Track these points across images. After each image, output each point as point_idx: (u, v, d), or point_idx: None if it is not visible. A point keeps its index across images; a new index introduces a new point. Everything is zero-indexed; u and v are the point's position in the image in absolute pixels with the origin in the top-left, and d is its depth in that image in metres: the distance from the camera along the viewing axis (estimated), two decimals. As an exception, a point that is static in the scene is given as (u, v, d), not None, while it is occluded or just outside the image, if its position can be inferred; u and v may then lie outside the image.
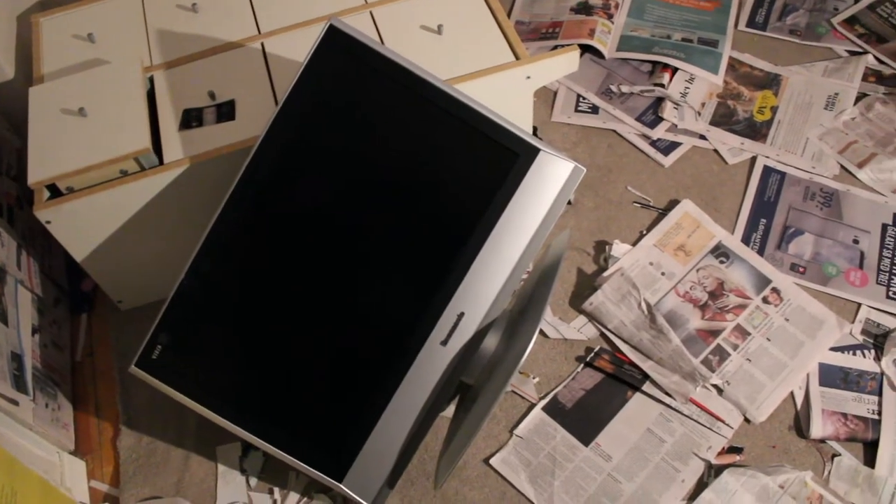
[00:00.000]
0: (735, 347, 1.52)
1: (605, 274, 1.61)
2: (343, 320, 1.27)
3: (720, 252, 1.64)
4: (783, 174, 1.76)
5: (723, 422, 1.45)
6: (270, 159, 1.26)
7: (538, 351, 1.54)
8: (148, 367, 1.30)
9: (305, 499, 1.41)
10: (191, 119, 1.46)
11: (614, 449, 1.43)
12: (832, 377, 1.48)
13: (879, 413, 1.44)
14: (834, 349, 1.52)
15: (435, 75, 1.25)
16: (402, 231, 1.26)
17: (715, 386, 1.48)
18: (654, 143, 1.83)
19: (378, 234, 1.26)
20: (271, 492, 1.43)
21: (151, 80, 1.54)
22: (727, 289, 1.59)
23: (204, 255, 1.28)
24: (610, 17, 2.04)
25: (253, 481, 1.44)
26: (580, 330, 1.56)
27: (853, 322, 1.55)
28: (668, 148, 1.82)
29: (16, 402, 1.34)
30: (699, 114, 1.87)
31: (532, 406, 1.48)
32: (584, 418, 1.46)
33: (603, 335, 1.56)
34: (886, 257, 1.62)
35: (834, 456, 1.40)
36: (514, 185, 1.25)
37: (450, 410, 1.47)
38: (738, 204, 1.72)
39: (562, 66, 1.50)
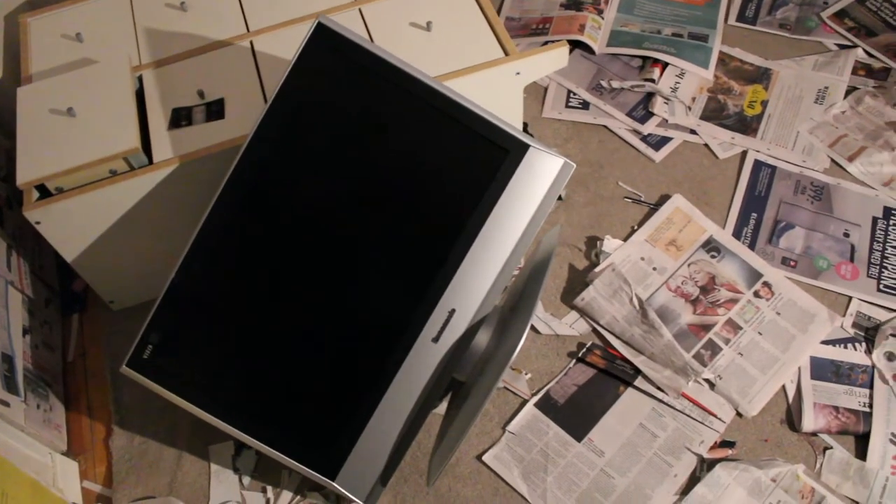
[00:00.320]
0: (727, 342, 1.52)
1: (597, 269, 1.61)
2: (334, 318, 1.27)
3: (711, 247, 1.64)
4: (774, 168, 1.76)
5: (715, 416, 1.45)
6: (260, 158, 1.26)
7: (530, 347, 1.54)
8: (139, 366, 1.30)
9: (298, 497, 1.41)
10: (180, 118, 1.46)
11: (607, 444, 1.43)
12: (824, 370, 1.49)
13: (871, 406, 1.44)
14: (825, 342, 1.52)
15: (424, 72, 1.25)
16: (393, 228, 1.26)
17: (707, 380, 1.48)
18: (644, 139, 1.83)
19: (368, 232, 1.26)
20: (264, 490, 1.43)
21: (140, 79, 1.53)
22: (718, 283, 1.59)
23: (194, 254, 1.28)
24: (600, 12, 2.04)
25: (246, 480, 1.44)
26: (572, 326, 1.56)
27: (844, 315, 1.55)
28: (658, 143, 1.83)
29: (7, 404, 1.34)
30: (690, 108, 1.87)
31: (524, 402, 1.48)
32: (576, 414, 1.46)
33: (595, 331, 1.56)
34: (877, 250, 1.63)
35: (826, 449, 1.41)
36: (503, 181, 1.25)
37: (442, 407, 1.47)
38: (728, 198, 1.73)
39: (551, 61, 1.50)
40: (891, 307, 1.55)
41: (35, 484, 1.30)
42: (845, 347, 1.52)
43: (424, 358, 1.26)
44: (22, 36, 1.63)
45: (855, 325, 1.54)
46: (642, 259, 1.63)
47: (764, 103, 1.88)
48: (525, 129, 1.83)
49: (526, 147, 1.24)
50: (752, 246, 1.65)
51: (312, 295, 1.27)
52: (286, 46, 1.54)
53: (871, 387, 1.46)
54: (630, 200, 1.73)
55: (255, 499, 1.42)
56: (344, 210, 1.26)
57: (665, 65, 1.94)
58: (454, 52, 1.50)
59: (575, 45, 2.01)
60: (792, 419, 1.44)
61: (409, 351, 1.26)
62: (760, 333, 1.53)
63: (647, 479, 1.40)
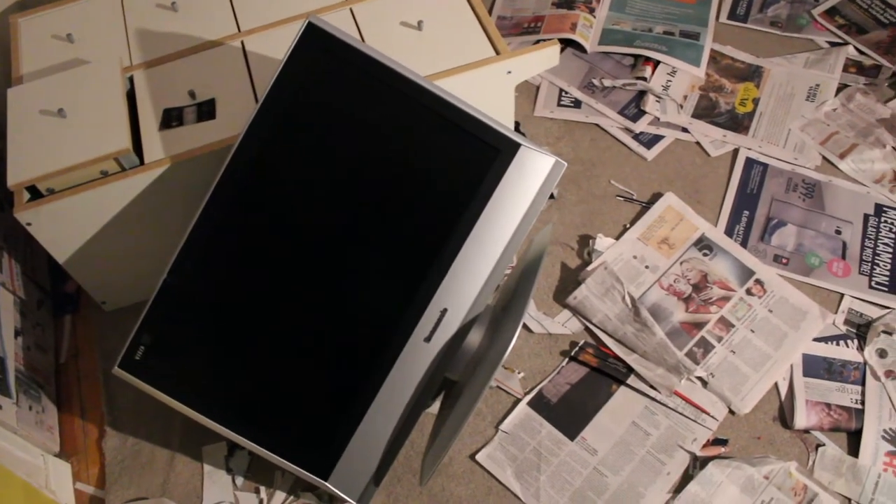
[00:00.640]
0: (719, 339, 1.53)
1: (589, 268, 1.61)
2: (326, 318, 1.27)
3: (703, 244, 1.64)
4: (765, 166, 1.76)
5: (707, 414, 1.45)
6: (251, 158, 1.26)
7: (523, 346, 1.54)
8: (131, 368, 1.30)
9: (292, 497, 1.41)
10: (171, 118, 1.46)
11: (600, 443, 1.43)
12: (816, 367, 1.49)
13: (863, 402, 1.44)
14: (817, 340, 1.52)
15: (415, 71, 1.25)
16: (384, 228, 1.26)
17: (699, 378, 1.49)
18: (636, 137, 1.84)
19: (359, 232, 1.26)
20: (257, 491, 1.43)
21: (131, 79, 1.53)
22: (711, 281, 1.59)
23: (185, 254, 1.27)
24: (591, 10, 2.05)
25: (239, 481, 1.44)
26: (564, 324, 1.57)
27: (836, 312, 1.56)
28: (650, 141, 1.83)
29: (-1, 406, 1.34)
30: (681, 107, 1.88)
31: (517, 401, 1.48)
32: (569, 412, 1.47)
33: (587, 329, 1.56)
34: (868, 247, 1.63)
35: (818, 446, 1.41)
36: (495, 180, 1.25)
37: (435, 407, 1.47)
38: (720, 196, 1.73)
39: (542, 60, 1.50)
40: (882, 304, 1.56)
41: (27, 486, 1.29)
42: (837, 344, 1.52)
43: (417, 358, 1.26)
44: (12, 36, 1.62)
45: (847, 322, 1.54)
46: (634, 257, 1.63)
47: (755, 101, 1.88)
48: (517, 128, 1.83)
49: (517, 146, 1.24)
50: (744, 244, 1.65)
51: (304, 295, 1.27)
52: (277, 46, 1.54)
53: (863, 383, 1.46)
54: (622, 199, 1.74)
55: (249, 499, 1.42)
56: (335, 210, 1.26)
57: (657, 63, 1.94)
58: (445, 51, 1.49)
59: (567, 43, 2.01)
60: (784, 416, 1.45)
61: (401, 351, 1.26)
62: (753, 331, 1.53)
63: (640, 477, 1.40)
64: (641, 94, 1.91)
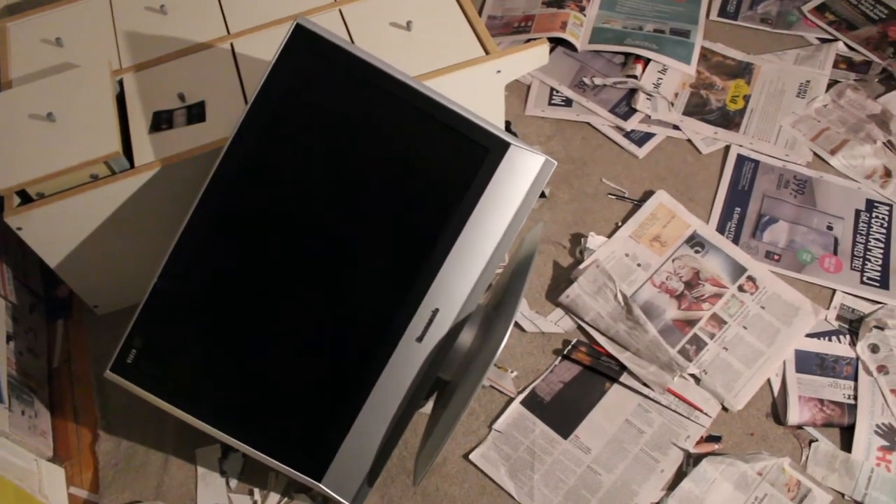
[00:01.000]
0: (712, 336, 1.53)
1: (581, 266, 1.61)
2: (317, 320, 1.27)
3: (695, 242, 1.64)
4: (757, 162, 1.77)
5: (701, 411, 1.45)
6: (240, 160, 1.26)
7: (515, 345, 1.54)
8: (123, 371, 1.30)
9: (286, 499, 1.41)
10: (161, 121, 1.46)
11: (593, 441, 1.43)
12: (808, 363, 1.49)
13: (855, 398, 1.44)
14: (810, 336, 1.53)
15: (404, 72, 1.25)
16: (375, 229, 1.26)
17: (692, 375, 1.49)
18: (628, 135, 1.84)
19: (350, 233, 1.26)
20: (251, 493, 1.42)
21: (121, 83, 1.53)
22: (703, 278, 1.59)
23: (176, 257, 1.27)
24: (582, 9, 2.05)
25: (233, 483, 1.44)
26: (557, 323, 1.57)
27: (828, 308, 1.56)
28: (642, 139, 1.83)
29: (-9, 411, 1.34)
30: (672, 104, 1.88)
31: (510, 400, 1.48)
32: (562, 411, 1.47)
33: (580, 328, 1.56)
34: (860, 243, 1.63)
35: (811, 441, 1.41)
36: (485, 180, 1.25)
37: (428, 407, 1.47)
38: (712, 193, 1.73)
39: (531, 59, 1.50)
40: (874, 299, 1.56)
41: (19, 491, 1.29)
42: (830, 340, 1.52)
43: (409, 358, 1.26)
44: (1, 41, 1.62)
45: (839, 317, 1.55)
46: (626, 255, 1.63)
47: (746, 98, 1.88)
48: (508, 128, 1.83)
49: (507, 145, 1.25)
50: (735, 240, 1.65)
51: (294, 297, 1.27)
52: (267, 48, 1.54)
53: (855, 379, 1.47)
54: (614, 197, 1.74)
55: (243, 501, 1.42)
56: (325, 212, 1.26)
57: (647, 61, 1.95)
58: (435, 51, 1.49)
59: (557, 42, 2.01)
60: (777, 413, 1.45)
61: (393, 351, 1.26)
62: (745, 327, 1.53)
63: (633, 474, 1.40)
64: (632, 92, 1.91)
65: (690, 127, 1.84)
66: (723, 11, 2.07)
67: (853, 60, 1.92)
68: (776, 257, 1.62)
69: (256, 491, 1.42)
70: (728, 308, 1.56)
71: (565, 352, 1.53)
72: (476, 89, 1.50)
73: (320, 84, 1.25)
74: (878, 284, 1.58)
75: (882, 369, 1.47)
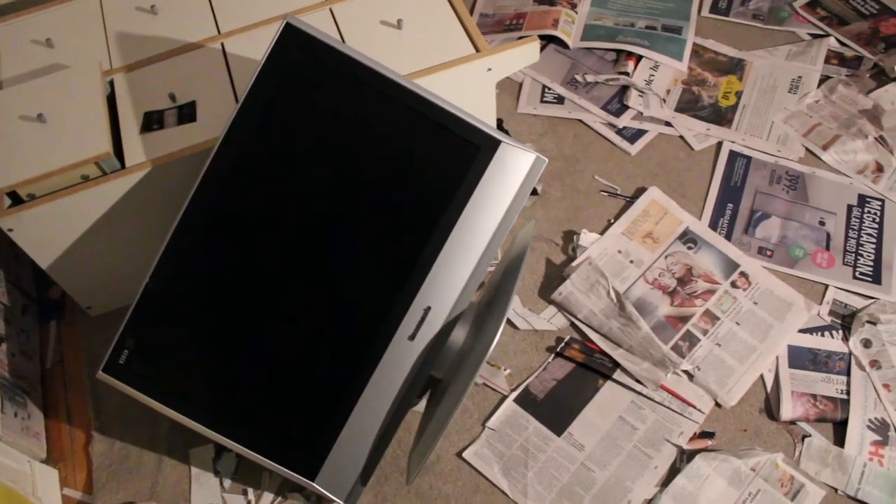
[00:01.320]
0: (705, 333, 1.53)
1: (574, 263, 1.61)
2: (309, 319, 1.27)
3: (688, 238, 1.64)
4: (749, 158, 1.77)
5: (694, 407, 1.45)
6: (231, 160, 1.25)
7: (508, 343, 1.54)
8: (116, 372, 1.30)
9: (280, 498, 1.41)
10: (152, 122, 1.45)
11: (587, 438, 1.44)
12: (801, 359, 1.49)
13: (848, 393, 1.45)
14: (802, 331, 1.53)
15: (394, 70, 1.25)
16: (366, 228, 1.26)
17: (685, 372, 1.49)
18: (620, 132, 1.84)
19: (341, 232, 1.26)
20: (245, 493, 1.42)
21: (112, 83, 1.53)
22: (696, 274, 1.60)
23: (168, 256, 1.27)
24: (573, 6, 2.05)
25: (227, 483, 1.43)
26: (550, 320, 1.57)
27: (821, 303, 1.56)
28: (634, 136, 1.83)
29: (-17, 413, 1.34)
30: (664, 101, 1.88)
31: (504, 398, 1.48)
32: (555, 408, 1.47)
33: (573, 325, 1.56)
34: (852, 238, 1.63)
35: (804, 437, 1.41)
36: (475, 177, 1.25)
37: (421, 405, 1.47)
38: (704, 189, 1.73)
39: (522, 57, 1.50)
40: (866, 294, 1.56)
41: (11, 493, 1.29)
42: (822, 335, 1.52)
43: (401, 356, 1.26)
44: (-9, 42, 1.62)
45: (832, 312, 1.55)
46: (619, 252, 1.63)
47: (738, 94, 1.89)
48: (500, 125, 1.83)
49: (497, 143, 1.25)
50: (728, 236, 1.65)
51: (286, 296, 1.27)
52: (257, 47, 1.54)
53: (848, 374, 1.47)
54: (606, 194, 1.74)
55: (237, 501, 1.42)
56: (316, 210, 1.26)
57: (639, 58, 1.95)
58: (425, 49, 1.49)
59: (549, 39, 2.01)
60: (770, 408, 1.45)
61: (385, 350, 1.26)
62: (738, 323, 1.53)
63: (627, 471, 1.40)
64: (624, 89, 1.91)
65: (682, 123, 1.84)
66: (714, 8, 2.07)
67: (845, 56, 1.92)
68: (769, 253, 1.62)
69: (250, 491, 1.42)
70: (721, 304, 1.56)
71: (558, 349, 1.53)
72: (467, 87, 1.50)
73: (310, 83, 1.25)
74: (870, 279, 1.58)
75: (875, 364, 1.47)
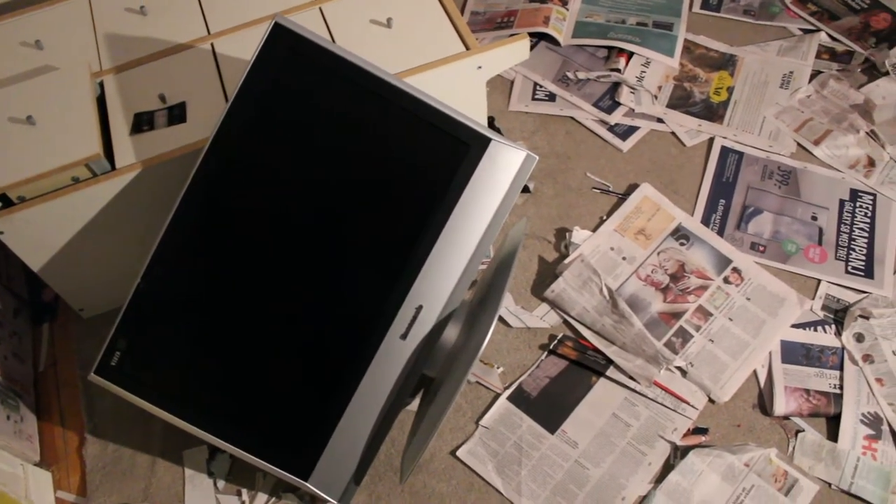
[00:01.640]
0: (698, 329, 1.53)
1: (566, 261, 1.61)
2: (301, 319, 1.27)
3: (680, 234, 1.64)
4: (741, 154, 1.77)
5: (687, 403, 1.45)
6: (221, 160, 1.25)
7: (501, 341, 1.54)
8: (108, 374, 1.30)
9: (274, 499, 1.41)
10: (142, 123, 1.45)
11: (580, 435, 1.44)
12: (794, 354, 1.49)
13: (841, 387, 1.45)
14: (795, 326, 1.53)
15: (384, 69, 1.25)
16: (357, 227, 1.25)
17: (679, 368, 1.49)
18: (611, 129, 1.84)
19: (332, 231, 1.25)
20: (239, 493, 1.42)
21: (101, 84, 1.52)
22: (688, 270, 1.60)
23: (159, 258, 1.27)
24: (564, 3, 2.05)
25: (221, 484, 1.43)
26: (543, 318, 1.57)
27: (813, 298, 1.56)
28: (626, 132, 1.83)
29: (-25, 416, 1.33)
30: (656, 97, 1.88)
31: (497, 396, 1.48)
32: (549, 406, 1.47)
33: (566, 322, 1.56)
34: (844, 233, 1.64)
35: (798, 432, 1.41)
36: (466, 175, 1.25)
37: (415, 404, 1.47)
38: (696, 185, 1.73)
39: (512, 54, 1.50)
40: (859, 288, 1.56)
41: (4, 497, 1.29)
42: (815, 330, 1.52)
43: (393, 355, 1.26)
44: (-20, 45, 1.61)
45: (824, 307, 1.55)
46: (612, 249, 1.63)
47: (730, 90, 1.89)
48: (491, 123, 1.83)
49: (487, 141, 1.24)
50: (720, 232, 1.65)
51: (279, 296, 1.27)
52: (247, 48, 1.53)
53: (841, 368, 1.47)
54: (598, 191, 1.74)
55: (231, 502, 1.41)
56: (307, 210, 1.26)
57: (630, 54, 1.95)
58: (415, 48, 1.49)
59: (540, 37, 2.01)
60: (764, 404, 1.45)
61: (377, 349, 1.26)
62: (731, 319, 1.53)
63: (621, 468, 1.40)
64: (616, 85, 1.91)
65: (674, 119, 1.84)
66: (705, 4, 2.07)
67: (836, 51, 1.93)
68: (761, 248, 1.63)
69: (244, 491, 1.42)
70: (713, 300, 1.56)
71: (551, 347, 1.53)
72: (457, 85, 1.50)
73: (300, 82, 1.25)
74: (862, 274, 1.58)
75: (867, 358, 1.47)
